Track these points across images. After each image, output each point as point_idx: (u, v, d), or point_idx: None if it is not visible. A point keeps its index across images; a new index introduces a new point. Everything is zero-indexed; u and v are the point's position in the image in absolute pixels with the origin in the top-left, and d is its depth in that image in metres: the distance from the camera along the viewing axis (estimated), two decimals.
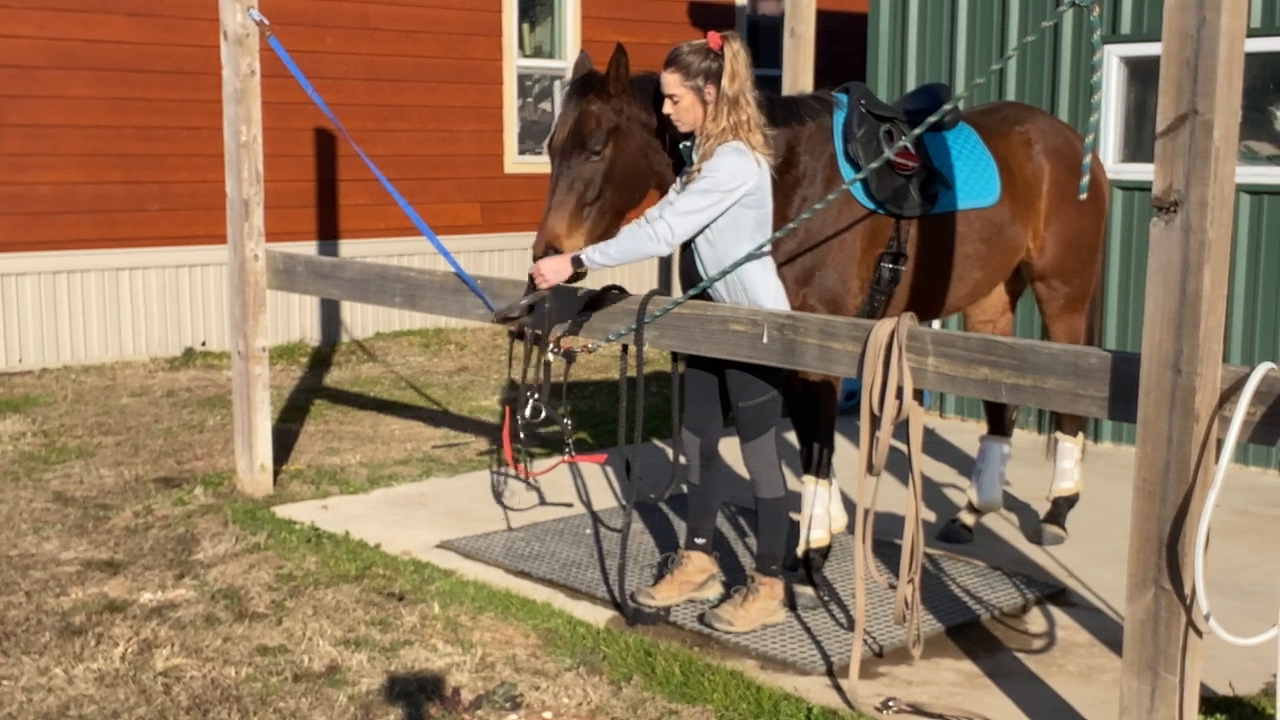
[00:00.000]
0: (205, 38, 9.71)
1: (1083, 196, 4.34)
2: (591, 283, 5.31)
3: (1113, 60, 7.90)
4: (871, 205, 5.29)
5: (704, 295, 5.04)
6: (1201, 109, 3.53)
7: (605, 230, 5.03)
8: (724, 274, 4.88)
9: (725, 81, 4.81)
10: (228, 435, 8.02)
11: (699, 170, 4.84)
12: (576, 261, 4.91)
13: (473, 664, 4.74)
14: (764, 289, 4.96)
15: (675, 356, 5.32)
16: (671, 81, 4.86)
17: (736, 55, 4.83)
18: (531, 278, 5.00)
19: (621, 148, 5.01)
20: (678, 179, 5.07)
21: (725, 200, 4.80)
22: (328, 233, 11.61)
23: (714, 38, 4.86)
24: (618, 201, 5.07)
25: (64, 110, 10.31)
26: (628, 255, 4.90)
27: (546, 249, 4.95)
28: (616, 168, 5.01)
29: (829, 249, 5.25)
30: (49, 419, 8.66)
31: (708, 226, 4.86)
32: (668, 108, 4.90)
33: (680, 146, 5.07)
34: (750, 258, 4.86)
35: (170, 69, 10.67)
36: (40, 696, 4.46)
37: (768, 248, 4.95)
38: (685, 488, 5.39)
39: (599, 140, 4.95)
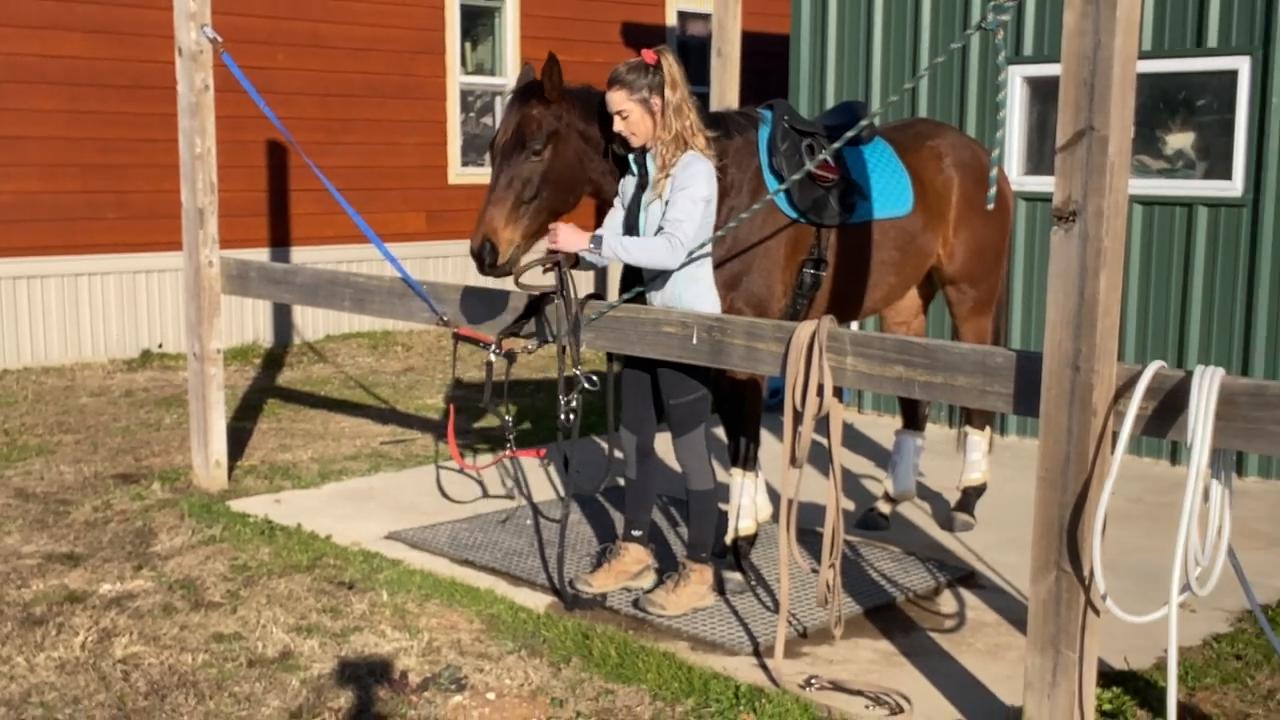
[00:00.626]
0: (161, 54, 9.58)
1: (990, 207, 4.39)
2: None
3: (1016, 79, 7.99)
4: (794, 215, 5.32)
5: (642, 298, 5.04)
6: (1098, 125, 3.58)
7: (538, 229, 4.98)
8: (665, 276, 4.89)
9: (668, 91, 4.84)
10: (184, 433, 7.91)
11: (666, 178, 4.85)
12: (596, 241, 4.82)
13: (419, 648, 4.71)
14: (700, 291, 4.98)
15: (610, 357, 5.32)
16: (618, 99, 4.86)
17: (672, 65, 4.87)
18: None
19: (559, 151, 4.98)
20: (631, 188, 5.04)
21: (710, 206, 4.86)
22: (279, 240, 11.49)
23: (648, 54, 4.88)
24: (554, 202, 5.02)
25: (24, 122, 10.12)
26: (644, 258, 4.80)
27: (484, 241, 4.87)
28: (554, 169, 4.97)
29: (755, 256, 5.27)
30: (10, 418, 8.50)
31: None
32: (619, 125, 4.89)
33: (629, 158, 5.06)
34: (690, 261, 4.88)
35: (127, 83, 10.51)
36: (2, 684, 4.38)
37: (707, 249, 4.96)
38: (622, 482, 5.38)
39: (539, 141, 4.92)
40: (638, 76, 4.85)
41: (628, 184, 5.08)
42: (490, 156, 5.08)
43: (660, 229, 4.82)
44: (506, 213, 4.92)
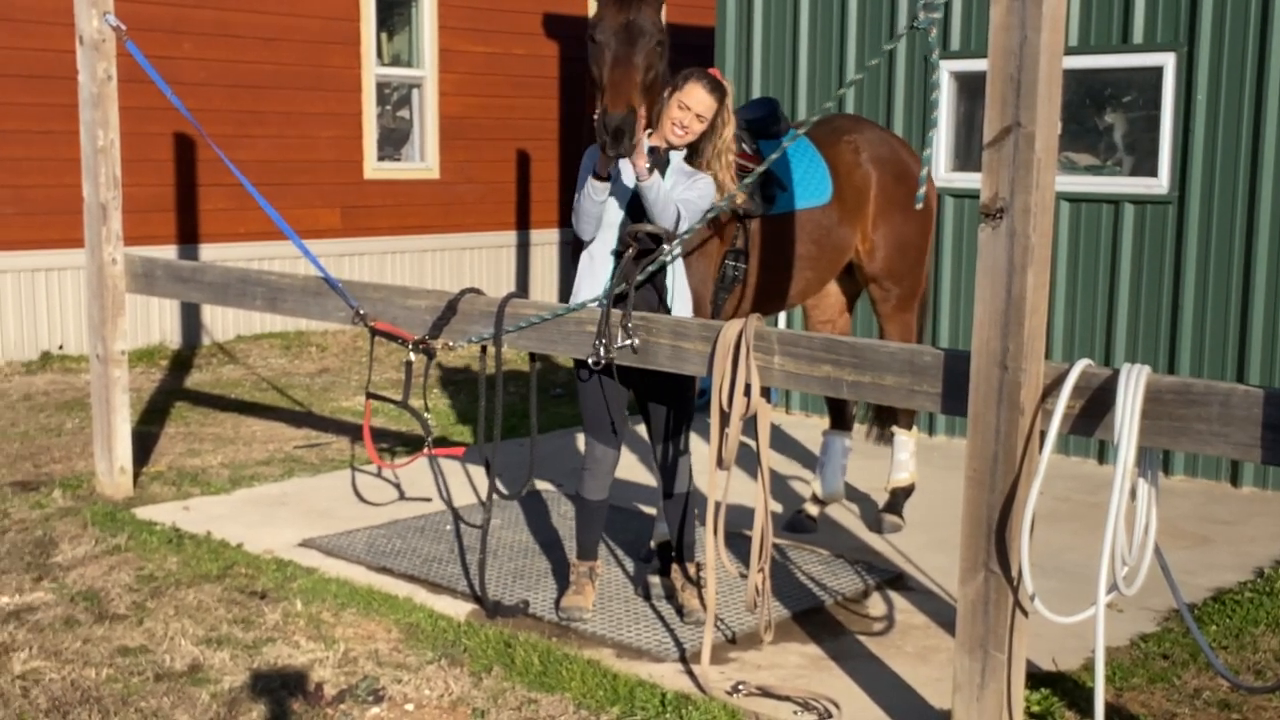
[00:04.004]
0: (60, 42, 9.38)
1: (919, 206, 4.45)
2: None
3: (943, 75, 8.09)
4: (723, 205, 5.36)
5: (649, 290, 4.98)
6: (1024, 122, 3.64)
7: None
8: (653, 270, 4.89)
9: (724, 122, 4.93)
10: (86, 438, 7.77)
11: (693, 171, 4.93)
12: (651, 168, 4.72)
13: (335, 659, 4.67)
14: (682, 285, 5.04)
15: (533, 357, 5.31)
16: (703, 100, 4.85)
17: (729, 108, 4.95)
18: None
19: (664, 62, 4.91)
20: (669, 155, 4.99)
21: (700, 216, 4.89)
22: (187, 237, 11.31)
23: (720, 77, 4.94)
24: (650, 95, 4.84)
25: None
26: (664, 203, 4.76)
27: (629, 109, 4.59)
28: (661, 70, 4.89)
29: (693, 251, 5.30)
30: None
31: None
32: (681, 116, 4.84)
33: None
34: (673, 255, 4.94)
35: (24, 73, 10.29)
36: None
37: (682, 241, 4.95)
38: (581, 498, 5.19)
39: (662, 35, 4.83)
40: (724, 95, 4.89)
41: (626, 169, 4.89)
42: (600, 35, 4.79)
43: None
44: (638, 86, 4.72)
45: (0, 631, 4.87)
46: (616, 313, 4.71)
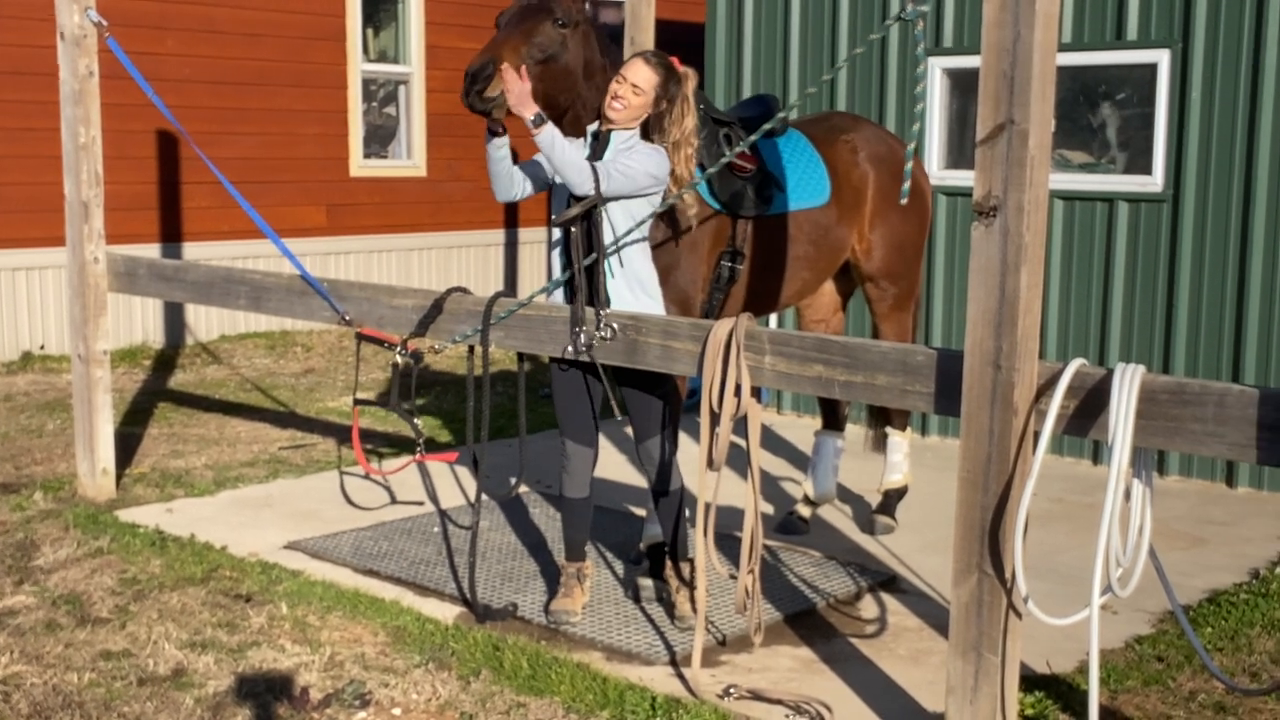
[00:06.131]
0: (41, 38, 9.34)
1: (903, 201, 4.43)
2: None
3: (936, 72, 8.11)
4: (717, 206, 5.37)
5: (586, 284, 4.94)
6: (1018, 119, 3.64)
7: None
8: (612, 252, 4.86)
9: (679, 110, 4.88)
10: (68, 439, 7.74)
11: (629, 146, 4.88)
12: (539, 119, 4.69)
13: (321, 663, 4.66)
14: (649, 275, 4.98)
15: (521, 357, 5.30)
16: (643, 74, 4.83)
17: (688, 98, 4.92)
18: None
19: (572, 46, 4.94)
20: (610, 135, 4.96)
21: (658, 186, 4.83)
22: (171, 235, 11.29)
23: (678, 64, 4.92)
24: (548, 83, 4.91)
25: None
26: (565, 160, 4.70)
27: (488, 60, 4.75)
28: (567, 52, 4.92)
29: (682, 250, 5.30)
30: None
31: (606, 210, 4.82)
32: (620, 90, 4.82)
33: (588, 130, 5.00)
34: (633, 244, 4.89)
35: (3, 69, 10.26)
36: None
37: (641, 233, 4.93)
38: (562, 497, 5.20)
39: (564, 17, 4.89)
40: (669, 73, 4.87)
41: (545, 146, 4.84)
42: (501, 18, 4.97)
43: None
44: (517, 51, 4.81)
45: None
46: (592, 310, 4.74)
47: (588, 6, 5.01)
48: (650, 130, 4.92)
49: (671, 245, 5.27)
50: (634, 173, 4.77)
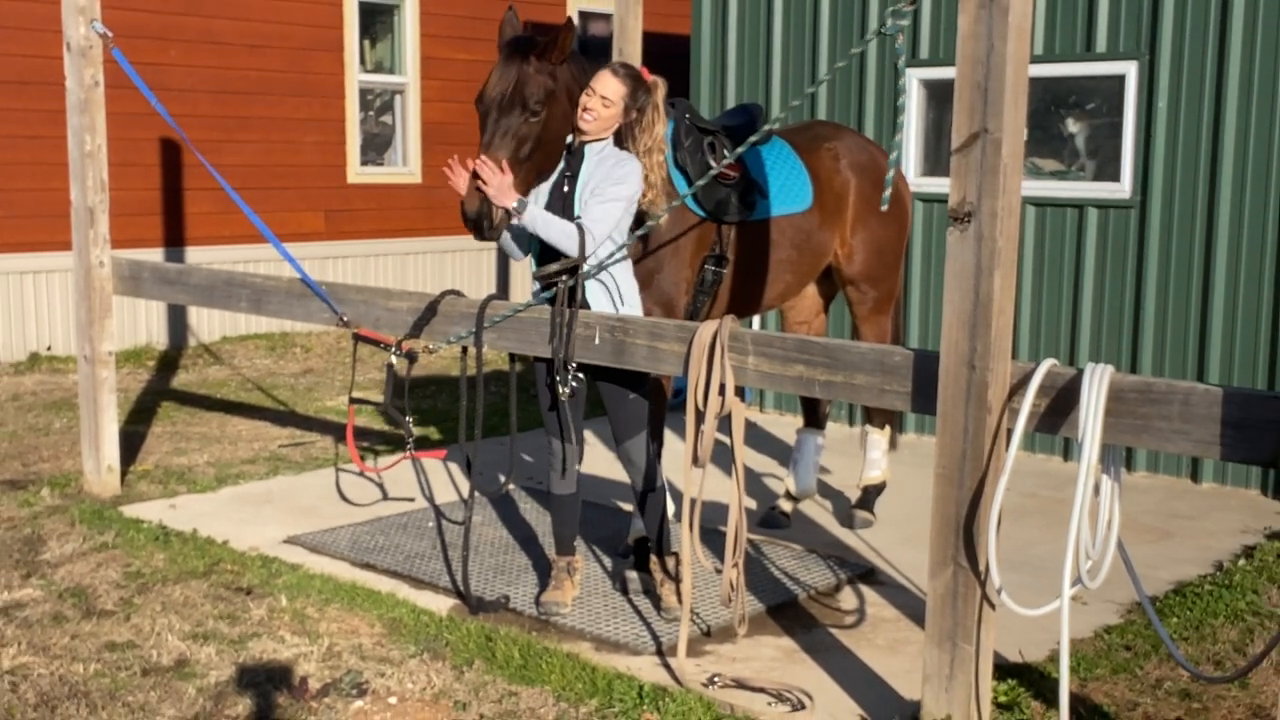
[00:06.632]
0: (48, 49, 9.32)
1: (884, 208, 4.43)
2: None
3: (913, 82, 8.12)
4: (701, 213, 5.37)
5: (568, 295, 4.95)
6: (991, 128, 3.65)
7: (524, 190, 4.89)
8: (601, 268, 4.86)
9: (649, 120, 4.91)
10: (74, 438, 7.72)
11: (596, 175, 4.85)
12: (521, 205, 4.72)
13: (320, 653, 4.66)
14: (629, 285, 4.97)
15: (513, 357, 5.30)
16: (612, 86, 4.82)
17: (659, 106, 4.95)
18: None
19: (554, 112, 4.90)
20: (554, 175, 4.96)
21: (631, 206, 4.85)
22: (174, 240, 11.26)
23: (648, 74, 4.93)
24: (542, 163, 4.93)
25: None
26: (556, 239, 4.74)
27: (482, 203, 4.78)
28: (549, 130, 4.90)
29: (665, 255, 5.30)
30: None
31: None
32: (589, 103, 4.81)
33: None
34: (616, 259, 4.88)
35: (12, 79, 10.23)
36: None
37: (624, 253, 4.91)
38: (551, 494, 5.20)
39: (538, 100, 4.84)
40: (637, 84, 4.87)
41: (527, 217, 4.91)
42: (479, 107, 4.94)
43: (578, 218, 4.79)
44: (500, 161, 4.81)
45: None
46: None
47: (563, 49, 4.91)
48: (623, 138, 4.93)
49: (655, 250, 5.27)
50: (612, 213, 4.77)
